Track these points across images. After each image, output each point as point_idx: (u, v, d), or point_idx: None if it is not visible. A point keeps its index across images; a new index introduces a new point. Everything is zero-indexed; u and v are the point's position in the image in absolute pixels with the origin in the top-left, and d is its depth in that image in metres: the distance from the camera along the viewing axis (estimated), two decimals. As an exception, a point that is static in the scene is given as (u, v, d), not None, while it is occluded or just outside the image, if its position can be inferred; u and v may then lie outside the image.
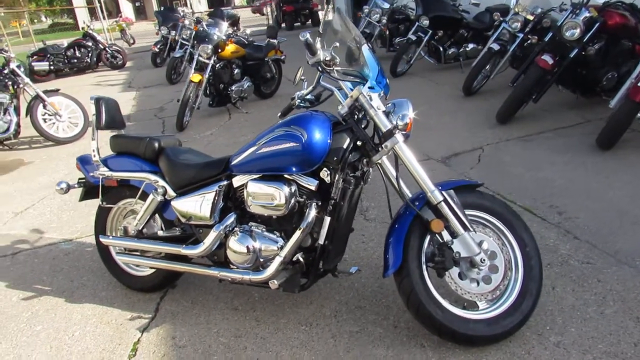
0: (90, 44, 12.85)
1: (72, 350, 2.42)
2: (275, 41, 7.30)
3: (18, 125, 6.18)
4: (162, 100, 8.13)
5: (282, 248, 2.24)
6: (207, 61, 6.20)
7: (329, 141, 2.15)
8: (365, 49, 2.20)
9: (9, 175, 5.47)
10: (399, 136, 2.10)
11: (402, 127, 2.06)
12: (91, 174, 2.74)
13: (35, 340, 2.54)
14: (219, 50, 6.23)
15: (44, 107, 6.20)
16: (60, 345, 2.47)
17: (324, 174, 2.18)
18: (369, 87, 2.15)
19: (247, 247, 2.29)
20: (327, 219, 2.20)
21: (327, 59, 2.14)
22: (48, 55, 12.43)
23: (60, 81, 12.15)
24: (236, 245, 2.31)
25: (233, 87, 6.59)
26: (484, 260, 2.09)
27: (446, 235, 2.09)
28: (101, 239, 2.71)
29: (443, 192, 2.10)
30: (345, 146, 2.18)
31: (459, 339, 2.06)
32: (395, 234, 2.12)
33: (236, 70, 6.63)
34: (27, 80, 6.16)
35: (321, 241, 2.22)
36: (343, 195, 2.19)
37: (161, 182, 2.53)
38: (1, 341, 2.56)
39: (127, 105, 8.14)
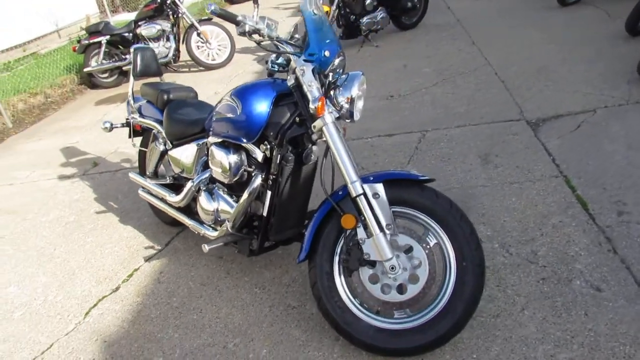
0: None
1: (94, 264, 2.94)
2: (420, -35, 6.67)
3: (177, 50, 7.01)
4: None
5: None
6: (335, -9, 6.06)
7: (266, 114, 2.06)
8: (305, 13, 1.98)
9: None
10: (327, 117, 1.91)
11: (313, 110, 1.85)
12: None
13: (81, 250, 3.13)
14: (348, -20, 6.00)
15: (198, 35, 6.90)
16: (90, 258, 3.01)
17: (262, 148, 2.13)
18: (304, 60, 1.96)
19: (209, 206, 2.41)
20: (268, 193, 2.17)
21: (256, 28, 1.99)
22: (242, -22, 13.44)
23: (249, 3, 13.18)
24: (202, 202, 2.45)
25: (364, 19, 6.35)
26: (394, 267, 1.85)
27: (362, 233, 1.89)
28: (129, 175, 3.11)
29: (364, 185, 1.87)
30: (283, 121, 2.07)
31: (356, 343, 1.92)
32: (312, 221, 2.00)
33: (368, 1, 6.33)
34: (184, 10, 6.87)
35: (264, 213, 2.22)
36: (282, 171, 2.12)
37: (163, 133, 2.76)
38: (62, 245, 3.23)
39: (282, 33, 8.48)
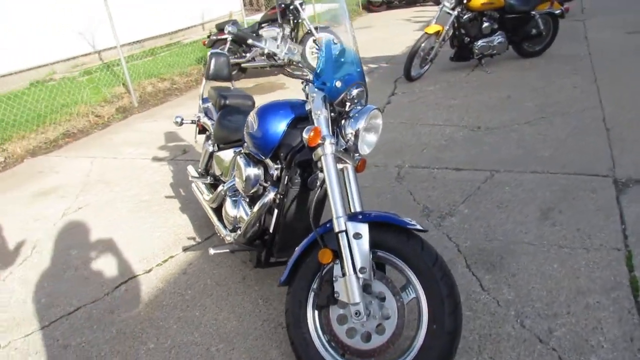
0: (423, -22, 13.32)
1: (143, 244, 3.22)
2: (553, -9, 6.17)
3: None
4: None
5: (248, 222, 2.39)
6: (450, 12, 5.88)
7: (279, 135, 2.11)
8: (324, 42, 1.97)
9: (267, 95, 6.72)
10: (327, 147, 1.89)
11: (305, 140, 1.84)
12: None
13: (139, 228, 3.45)
14: (465, 1, 5.77)
15: (313, 41, 7.12)
16: (143, 238, 3.31)
17: (272, 167, 2.18)
18: (317, 88, 1.96)
19: (232, 212, 2.53)
20: (275, 211, 2.22)
21: (273, 52, 2.03)
22: (383, -13, 13.61)
23: (387, 13, 13.29)
24: (227, 207, 2.58)
25: (479, 42, 6.06)
26: (358, 313, 1.78)
27: (338, 271, 1.84)
28: (188, 168, 3.34)
29: (348, 223, 1.82)
30: (295, 143, 2.09)
31: (313, 378, 1.88)
32: (297, 249, 1.99)
33: (485, 24, 6.03)
34: (304, 16, 7.14)
35: (270, 229, 2.27)
36: (287, 192, 2.15)
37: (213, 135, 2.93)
38: (128, 220, 3.58)
39: (400, 46, 8.41)
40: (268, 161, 2.25)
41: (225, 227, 2.65)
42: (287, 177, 2.12)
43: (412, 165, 3.82)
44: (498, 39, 6.09)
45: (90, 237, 3.39)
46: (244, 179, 2.29)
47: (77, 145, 5.58)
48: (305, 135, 1.85)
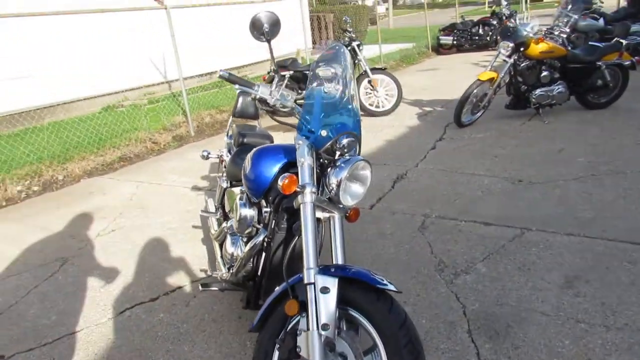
0: (495, 22, 13.11)
1: (158, 271, 3.30)
2: (623, 41, 5.84)
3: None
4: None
5: (241, 262, 2.39)
6: (506, 59, 5.71)
7: (270, 178, 2.12)
8: (315, 91, 1.96)
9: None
10: (307, 195, 1.85)
11: (279, 187, 1.81)
12: (220, 151, 3.43)
13: (159, 256, 3.54)
14: (522, 49, 5.59)
15: (369, 82, 7.18)
16: (160, 266, 3.39)
17: (263, 209, 2.18)
18: (304, 135, 1.95)
19: (230, 249, 2.53)
20: (263, 254, 2.20)
21: (263, 97, 2.05)
22: (455, 31, 13.55)
23: (456, 56, 13.15)
24: (226, 244, 2.59)
25: (536, 91, 5.81)
26: (318, 372, 1.68)
27: (303, 324, 1.77)
28: (207, 201, 3.41)
29: (317, 276, 1.76)
30: (282, 189, 2.08)
31: None
32: (270, 296, 1.94)
33: (544, 73, 5.77)
34: (361, 57, 7.22)
35: (259, 272, 2.25)
36: (273, 236, 2.13)
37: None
38: (151, 247, 3.70)
39: (460, 91, 8.21)
40: (262, 202, 2.24)
41: (225, 264, 2.66)
42: (274, 222, 2.10)
43: (439, 216, 3.67)
44: (558, 88, 5.81)
45: (113, 260, 3.52)
46: (238, 218, 2.30)
47: (130, 169, 5.89)
48: (280, 183, 1.82)
